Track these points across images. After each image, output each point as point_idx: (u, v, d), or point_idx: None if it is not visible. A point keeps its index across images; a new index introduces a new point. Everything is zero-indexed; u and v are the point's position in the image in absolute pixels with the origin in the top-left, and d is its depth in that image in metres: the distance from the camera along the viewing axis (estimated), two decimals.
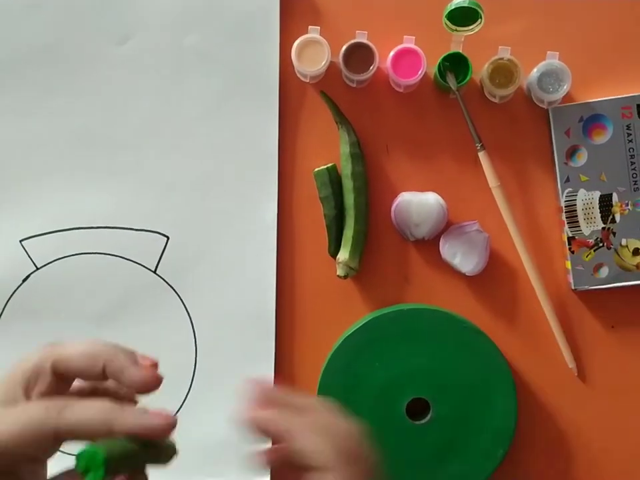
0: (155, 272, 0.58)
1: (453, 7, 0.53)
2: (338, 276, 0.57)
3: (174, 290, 0.58)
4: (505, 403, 0.56)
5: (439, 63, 0.55)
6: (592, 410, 0.58)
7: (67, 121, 0.58)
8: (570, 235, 0.57)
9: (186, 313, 0.58)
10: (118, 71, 0.58)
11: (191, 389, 0.58)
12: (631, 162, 0.56)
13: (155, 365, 0.38)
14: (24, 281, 0.58)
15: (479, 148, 0.56)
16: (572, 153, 0.57)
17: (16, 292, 0.58)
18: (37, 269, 0.58)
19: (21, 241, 0.58)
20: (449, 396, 0.56)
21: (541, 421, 0.58)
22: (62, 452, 0.33)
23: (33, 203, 0.58)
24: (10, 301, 0.58)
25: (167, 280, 0.58)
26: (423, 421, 0.56)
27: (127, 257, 0.58)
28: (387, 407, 0.56)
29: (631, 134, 0.56)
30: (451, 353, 0.56)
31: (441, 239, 0.57)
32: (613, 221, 0.57)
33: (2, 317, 0.58)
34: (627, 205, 0.57)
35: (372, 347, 0.56)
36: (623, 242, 0.57)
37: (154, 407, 0.36)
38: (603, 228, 0.57)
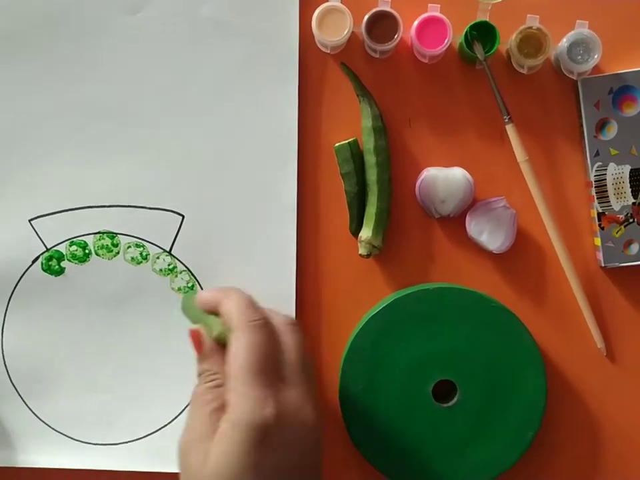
0: (169, 252, 0.56)
1: None
2: (360, 255, 0.55)
3: (190, 271, 0.56)
4: (534, 383, 0.54)
5: (466, 33, 0.53)
6: (621, 390, 0.57)
7: (77, 94, 0.56)
8: (600, 211, 0.55)
9: None
10: (130, 42, 0.55)
11: None
12: None
13: None
14: (33, 261, 0.56)
15: (506, 121, 0.54)
16: (602, 125, 0.55)
17: (26, 273, 0.56)
18: (47, 249, 0.56)
19: (30, 221, 0.56)
20: (476, 377, 0.54)
21: (569, 401, 0.57)
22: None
23: (42, 181, 0.56)
24: (20, 282, 0.56)
25: (182, 261, 0.56)
26: (449, 404, 0.54)
27: (141, 237, 0.56)
28: (413, 390, 0.54)
29: None
30: (478, 333, 0.54)
31: (467, 215, 0.55)
32: None
33: (12, 298, 0.56)
34: None
35: (397, 328, 0.54)
36: None
37: None
38: (634, 203, 0.55)
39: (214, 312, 0.48)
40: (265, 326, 0.46)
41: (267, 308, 0.48)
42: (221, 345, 0.47)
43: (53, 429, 0.57)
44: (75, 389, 0.57)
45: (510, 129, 0.54)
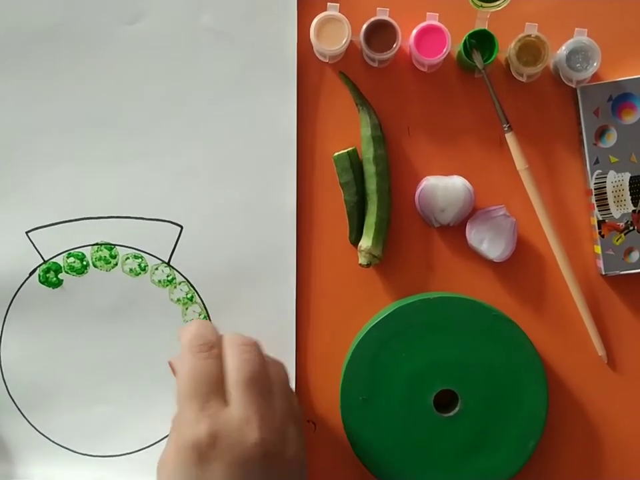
0: (168, 263, 0.56)
1: None
2: (360, 265, 0.55)
3: (189, 282, 0.56)
4: (535, 392, 0.54)
5: (464, 41, 0.53)
6: (622, 398, 0.56)
7: (74, 104, 0.55)
8: (600, 219, 0.55)
9: (202, 306, 0.56)
10: (128, 52, 0.55)
11: None
12: None
13: None
14: (31, 274, 0.55)
15: (506, 129, 0.54)
16: (601, 133, 0.55)
17: (23, 285, 0.55)
18: (44, 261, 0.56)
19: (27, 233, 0.55)
20: (477, 387, 0.54)
21: (571, 410, 0.57)
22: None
23: (39, 192, 0.55)
24: (17, 294, 0.55)
25: (181, 272, 0.56)
26: (451, 414, 0.54)
27: (139, 248, 0.56)
28: (414, 400, 0.54)
29: None
30: (479, 343, 0.54)
31: (467, 224, 0.55)
32: None
33: (9, 310, 0.56)
34: None
35: (397, 338, 0.54)
36: None
37: None
38: (634, 211, 0.55)
39: None
40: (205, 350, 0.47)
41: (230, 333, 0.50)
42: None
43: (53, 441, 0.56)
44: (74, 401, 0.56)
45: (509, 137, 0.54)
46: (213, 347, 0.47)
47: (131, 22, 0.55)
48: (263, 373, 0.47)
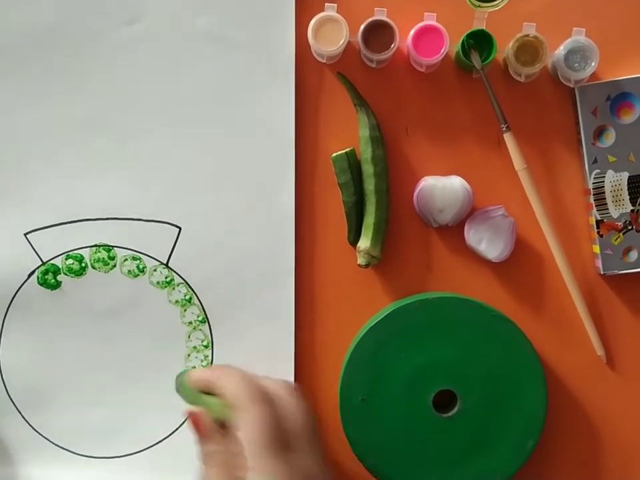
0: (167, 265, 0.56)
1: None
2: (359, 265, 0.55)
3: (187, 284, 0.56)
4: (534, 392, 0.54)
5: (462, 41, 0.53)
6: (621, 397, 0.57)
7: (73, 107, 0.55)
8: (598, 218, 0.55)
9: (201, 308, 0.56)
10: (126, 55, 0.55)
11: None
12: None
13: None
14: (29, 275, 0.55)
15: (504, 129, 0.54)
16: (599, 133, 0.55)
17: (22, 287, 0.55)
18: (43, 263, 0.56)
19: (25, 234, 0.55)
20: (476, 387, 0.54)
21: (570, 409, 0.57)
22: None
23: (37, 194, 0.55)
24: (16, 296, 0.55)
25: (179, 273, 0.56)
26: (450, 414, 0.54)
27: (138, 250, 0.56)
28: (414, 400, 0.54)
29: None
30: (478, 343, 0.54)
31: (466, 224, 0.55)
32: None
33: (8, 312, 0.56)
34: None
35: (396, 338, 0.54)
36: None
37: None
38: (632, 210, 0.55)
39: (208, 392, 0.48)
40: (266, 399, 0.46)
41: (262, 376, 0.49)
42: (219, 424, 0.47)
43: (53, 442, 0.57)
44: (73, 402, 0.56)
45: (508, 138, 0.54)
46: (268, 395, 0.46)
47: (128, 24, 0.55)
48: (312, 416, 0.47)
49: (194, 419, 0.47)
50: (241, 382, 0.46)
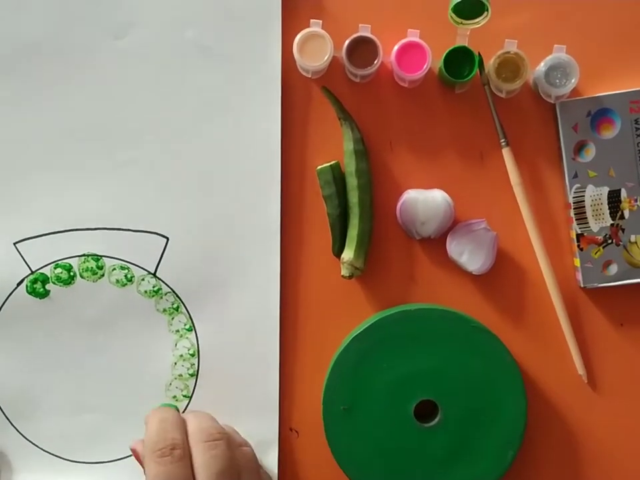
0: (154, 274, 0.57)
1: (458, 0, 0.52)
2: (342, 276, 0.56)
3: (174, 293, 0.57)
4: (514, 404, 0.54)
5: (444, 58, 0.54)
6: (601, 411, 0.57)
7: (62, 117, 0.56)
8: (578, 232, 0.56)
9: (188, 316, 0.57)
10: (115, 66, 0.56)
11: (194, 392, 0.57)
12: None
13: None
14: (18, 284, 0.56)
15: (503, 144, 0.55)
16: (580, 148, 0.56)
17: (10, 296, 0.56)
18: (32, 272, 0.56)
19: (15, 244, 0.56)
20: (457, 397, 0.54)
21: (550, 422, 0.57)
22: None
23: (27, 203, 0.56)
24: (5, 304, 0.56)
25: (167, 282, 0.57)
26: (431, 424, 0.54)
27: (126, 259, 0.57)
28: (395, 410, 0.54)
29: (639, 128, 0.55)
30: (459, 354, 0.55)
31: (448, 237, 0.56)
32: (622, 217, 0.56)
33: None
34: (636, 200, 0.56)
35: (379, 349, 0.54)
36: (632, 238, 0.56)
37: None
38: (612, 224, 0.56)
39: None
40: (167, 454, 0.46)
41: (195, 422, 0.49)
42: None
43: (41, 448, 0.57)
44: (61, 409, 0.57)
45: (506, 152, 0.55)
46: (175, 448, 0.47)
47: (118, 37, 0.56)
48: (232, 468, 0.47)
49: (134, 455, 0.50)
50: (152, 432, 0.47)
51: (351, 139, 0.56)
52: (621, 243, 0.56)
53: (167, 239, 0.57)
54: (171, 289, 0.57)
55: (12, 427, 0.57)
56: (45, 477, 0.57)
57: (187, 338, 0.57)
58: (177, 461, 0.46)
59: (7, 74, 0.56)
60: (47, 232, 0.56)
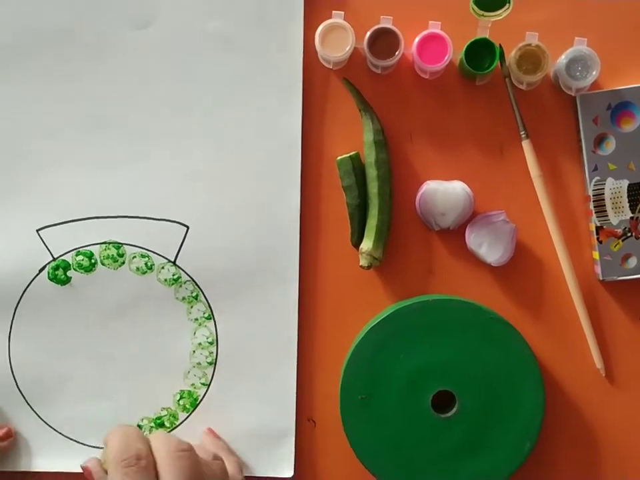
0: (174, 263, 0.57)
1: None
2: (361, 266, 0.56)
3: (194, 281, 0.57)
4: (532, 396, 0.55)
5: (466, 49, 0.54)
6: (618, 404, 0.57)
7: (85, 107, 0.57)
8: (598, 225, 0.56)
9: (207, 305, 0.57)
10: (137, 56, 0.57)
11: (212, 380, 0.57)
12: None
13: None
14: (40, 270, 0.57)
15: (523, 136, 0.55)
16: (600, 141, 0.56)
17: (32, 282, 0.57)
18: (54, 259, 0.57)
19: (37, 231, 0.57)
20: (475, 389, 0.55)
21: (567, 414, 0.57)
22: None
23: (50, 191, 0.57)
24: (27, 290, 0.57)
25: (186, 271, 0.57)
26: (448, 414, 0.55)
27: (146, 247, 0.57)
28: (413, 400, 0.54)
29: None
30: (477, 345, 0.55)
31: (467, 228, 0.56)
32: None
33: (18, 306, 0.57)
34: None
35: (396, 339, 0.55)
36: None
37: None
38: (632, 217, 0.56)
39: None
40: (133, 465, 0.45)
41: (160, 436, 0.48)
42: None
43: (61, 433, 0.58)
44: (82, 395, 0.58)
45: (526, 145, 0.55)
46: (141, 458, 0.46)
47: (140, 27, 0.57)
48: (199, 478, 0.47)
49: (86, 473, 0.49)
50: (115, 443, 0.46)
51: (371, 130, 0.56)
52: None
53: (187, 227, 0.57)
54: (191, 277, 0.57)
55: (32, 412, 0.58)
56: (64, 461, 0.57)
57: (205, 326, 0.58)
58: (142, 471, 0.45)
59: (30, 64, 0.57)
60: (69, 219, 0.57)
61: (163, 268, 0.57)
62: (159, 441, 0.48)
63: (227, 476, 0.50)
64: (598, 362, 0.57)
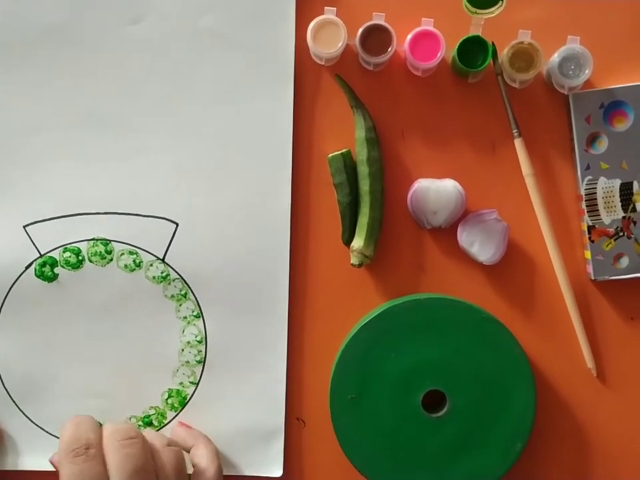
0: (163, 260, 0.57)
1: None
2: (352, 264, 0.56)
3: (183, 279, 0.57)
4: (523, 395, 0.54)
5: (459, 46, 0.54)
6: (609, 404, 0.57)
7: (74, 102, 0.56)
8: (590, 224, 0.56)
9: (196, 303, 0.57)
10: (129, 52, 0.56)
11: (201, 379, 0.57)
12: None
13: None
14: (27, 267, 0.56)
15: (515, 135, 0.55)
16: (592, 140, 0.56)
17: (19, 279, 0.56)
18: (41, 255, 0.56)
19: (24, 227, 0.56)
20: (466, 388, 0.54)
21: (558, 414, 0.57)
22: None
23: (37, 187, 0.56)
24: (13, 287, 0.56)
25: (175, 268, 0.57)
26: (439, 414, 0.54)
27: (135, 244, 0.57)
28: (403, 399, 0.54)
29: None
30: (468, 344, 0.54)
31: (459, 226, 0.56)
32: (634, 209, 0.55)
33: (5, 303, 0.56)
34: None
35: (387, 338, 0.54)
36: None
37: None
38: (624, 217, 0.56)
39: None
40: (81, 454, 0.47)
41: (111, 426, 0.49)
42: None
43: (48, 432, 0.57)
44: (68, 393, 0.57)
45: (518, 143, 0.55)
46: (90, 447, 0.47)
47: (132, 22, 0.56)
48: (147, 466, 0.47)
49: (53, 465, 0.52)
50: (66, 433, 0.48)
51: (363, 127, 0.56)
52: (632, 236, 0.56)
53: (177, 224, 0.57)
54: (180, 275, 0.57)
55: (19, 411, 0.57)
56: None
57: (194, 325, 0.57)
58: (90, 460, 0.46)
59: (20, 59, 0.56)
60: (57, 215, 0.56)
61: (151, 265, 0.57)
62: (108, 430, 0.49)
63: (181, 463, 0.50)
64: (589, 362, 0.56)
